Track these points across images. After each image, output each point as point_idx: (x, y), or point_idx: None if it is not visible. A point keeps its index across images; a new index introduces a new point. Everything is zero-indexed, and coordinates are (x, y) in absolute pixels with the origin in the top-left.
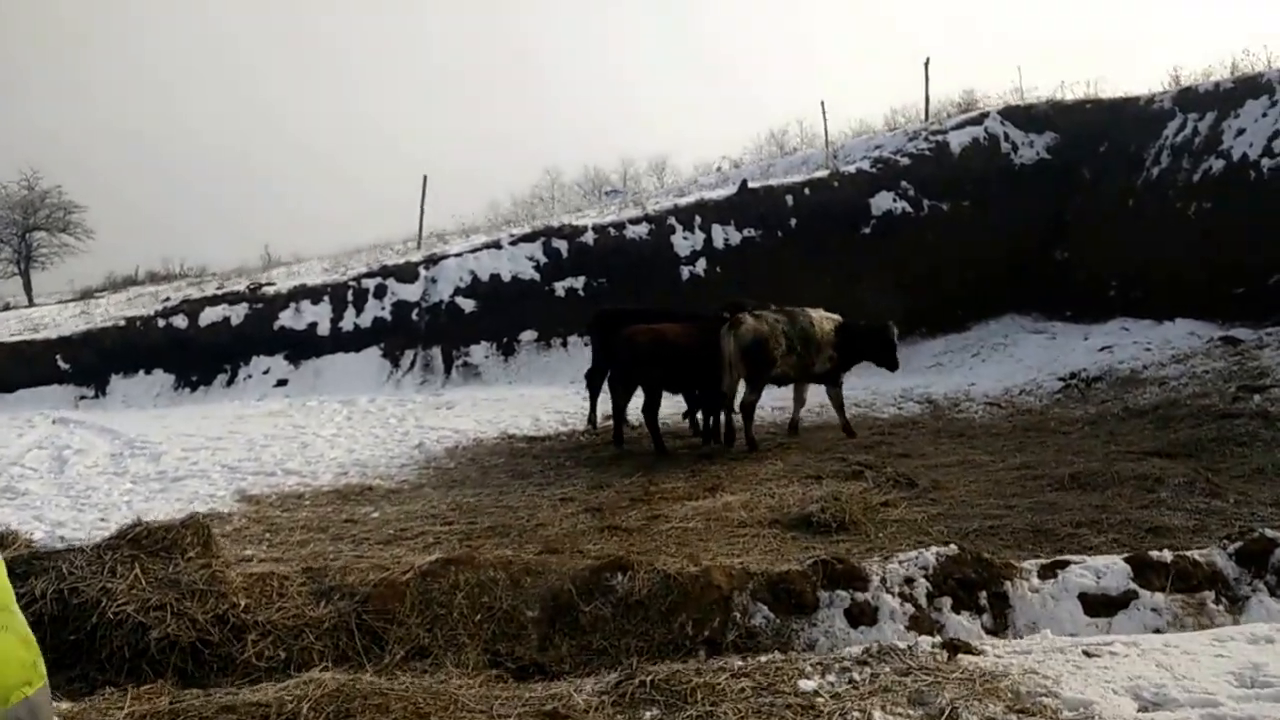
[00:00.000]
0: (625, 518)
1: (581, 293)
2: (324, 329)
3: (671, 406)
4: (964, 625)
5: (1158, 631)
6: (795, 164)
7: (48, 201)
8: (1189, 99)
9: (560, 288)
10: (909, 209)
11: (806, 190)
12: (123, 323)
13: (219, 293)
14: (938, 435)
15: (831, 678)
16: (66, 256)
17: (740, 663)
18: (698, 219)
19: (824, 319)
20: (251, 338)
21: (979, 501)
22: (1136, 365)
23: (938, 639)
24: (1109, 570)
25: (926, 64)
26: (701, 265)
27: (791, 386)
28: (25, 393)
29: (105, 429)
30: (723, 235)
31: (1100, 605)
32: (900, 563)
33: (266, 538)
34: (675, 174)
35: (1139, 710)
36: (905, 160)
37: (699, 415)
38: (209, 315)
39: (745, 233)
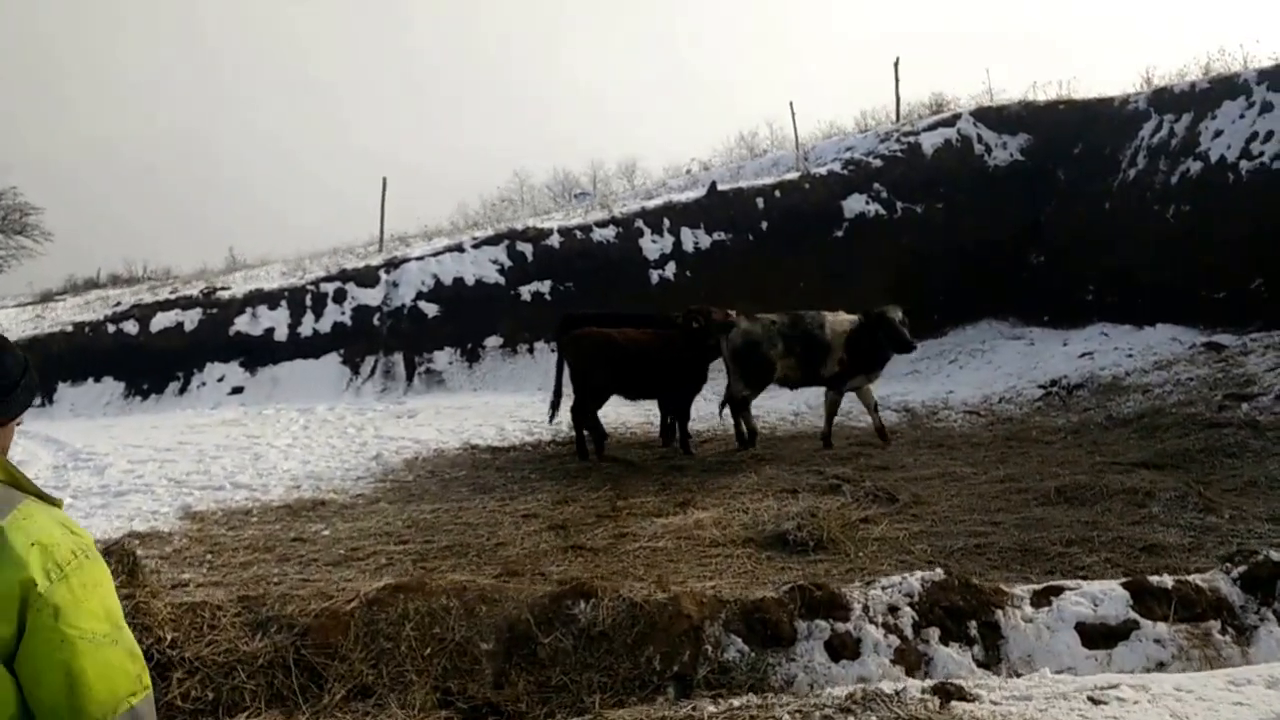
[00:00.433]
0: (591, 536)
1: (548, 297)
2: (282, 335)
3: (644, 416)
4: (953, 658)
5: (1161, 665)
6: (765, 166)
7: (2, 203)
8: (1164, 100)
9: (526, 292)
10: (882, 211)
11: (777, 192)
12: (71, 328)
13: (172, 297)
14: (917, 445)
15: None
16: (25, 259)
17: (712, 708)
18: (666, 222)
19: (840, 320)
20: (206, 344)
21: (963, 517)
22: (1118, 372)
23: (928, 682)
24: (1106, 597)
25: (896, 65)
26: (671, 269)
27: (823, 391)
28: None
29: (50, 439)
30: (692, 238)
31: (1099, 636)
32: (883, 589)
33: (208, 559)
34: (646, 176)
35: None
36: (877, 162)
37: (668, 420)
38: (161, 320)
39: (715, 236)
